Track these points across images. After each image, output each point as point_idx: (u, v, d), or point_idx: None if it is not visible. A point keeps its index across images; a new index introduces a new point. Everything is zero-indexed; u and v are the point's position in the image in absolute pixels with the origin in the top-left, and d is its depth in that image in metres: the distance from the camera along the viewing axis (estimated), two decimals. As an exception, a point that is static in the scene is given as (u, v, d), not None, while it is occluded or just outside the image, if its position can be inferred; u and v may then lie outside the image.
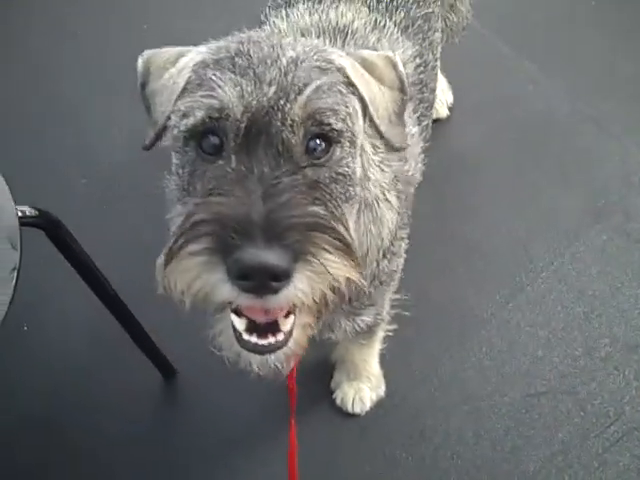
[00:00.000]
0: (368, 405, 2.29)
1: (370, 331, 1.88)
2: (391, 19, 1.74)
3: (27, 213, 1.62)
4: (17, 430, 2.28)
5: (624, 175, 2.70)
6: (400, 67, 1.31)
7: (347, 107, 1.20)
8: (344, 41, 1.59)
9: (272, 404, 2.30)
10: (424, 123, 1.84)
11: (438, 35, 1.97)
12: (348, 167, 1.21)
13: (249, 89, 1.12)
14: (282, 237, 1.00)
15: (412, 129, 1.73)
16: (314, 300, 1.07)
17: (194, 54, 1.23)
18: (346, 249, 1.08)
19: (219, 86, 1.12)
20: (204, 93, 1.13)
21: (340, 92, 1.19)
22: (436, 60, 1.93)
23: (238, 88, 1.12)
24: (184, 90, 1.20)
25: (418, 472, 2.19)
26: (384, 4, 1.76)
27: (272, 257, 0.98)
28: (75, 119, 2.97)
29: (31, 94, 3.07)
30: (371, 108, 1.27)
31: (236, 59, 1.16)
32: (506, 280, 2.50)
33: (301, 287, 1.03)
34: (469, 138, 2.84)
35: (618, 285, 2.47)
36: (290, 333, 1.14)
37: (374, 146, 1.49)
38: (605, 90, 2.93)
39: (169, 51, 1.25)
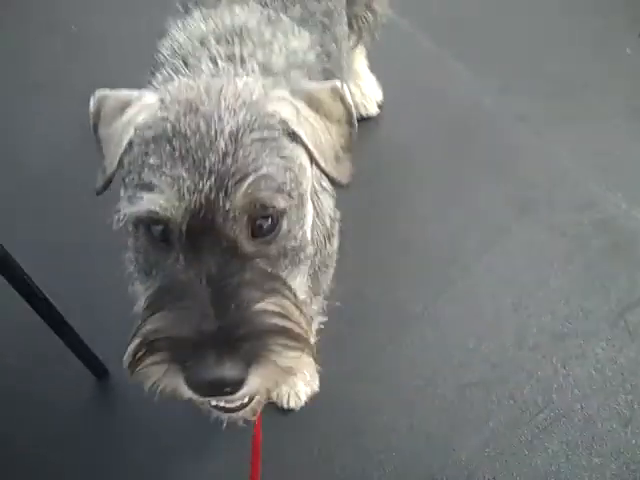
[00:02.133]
0: (303, 400, 2.31)
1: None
2: (286, 13, 1.75)
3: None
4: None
5: (548, 170, 2.77)
6: (348, 99, 1.32)
7: (292, 172, 1.22)
8: (241, 41, 1.58)
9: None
10: None
11: (342, 29, 1.99)
12: (296, 238, 1.25)
13: (187, 185, 1.12)
14: (234, 350, 1.07)
15: None
16: (269, 390, 1.19)
17: (139, 107, 1.21)
18: (297, 342, 1.16)
19: (156, 185, 1.12)
20: (143, 192, 1.13)
21: (284, 160, 1.21)
22: (341, 52, 1.94)
23: (175, 188, 1.12)
24: (131, 155, 1.21)
25: (353, 465, 2.21)
26: (280, 1, 1.76)
27: (224, 372, 1.05)
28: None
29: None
30: (317, 155, 1.28)
31: (174, 142, 1.14)
32: (437, 275, 2.55)
33: (256, 385, 1.11)
34: (399, 136, 2.89)
35: (545, 276, 2.53)
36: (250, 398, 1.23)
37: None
38: (529, 86, 3.00)
39: (118, 96, 1.23)
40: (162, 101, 1.22)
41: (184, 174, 1.12)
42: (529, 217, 2.66)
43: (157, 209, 1.12)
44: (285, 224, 1.22)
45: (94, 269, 2.47)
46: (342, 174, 1.34)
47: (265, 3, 1.74)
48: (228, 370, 1.06)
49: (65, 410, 2.29)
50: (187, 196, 1.12)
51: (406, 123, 2.93)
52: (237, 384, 1.08)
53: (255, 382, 1.11)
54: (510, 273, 2.54)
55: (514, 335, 2.41)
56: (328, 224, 1.62)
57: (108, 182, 1.23)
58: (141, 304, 1.21)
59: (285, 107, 1.25)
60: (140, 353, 1.13)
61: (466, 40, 3.15)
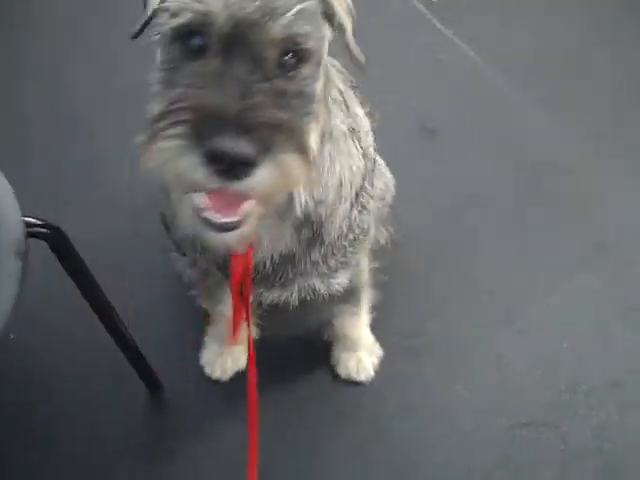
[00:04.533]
0: (371, 370, 2.40)
1: (353, 296, 2.10)
2: None
3: (32, 223, 1.63)
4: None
5: (623, 222, 2.77)
6: None
7: (320, 33, 1.34)
8: None
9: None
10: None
11: None
12: (311, 86, 1.34)
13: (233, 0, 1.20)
14: (252, 131, 1.12)
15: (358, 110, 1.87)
16: (271, 192, 1.21)
17: None
18: (304, 152, 1.22)
19: None
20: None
21: (317, 20, 1.32)
22: None
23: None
24: None
25: None
26: None
27: (242, 145, 1.10)
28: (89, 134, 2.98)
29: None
30: (349, 35, 1.43)
31: None
32: (497, 312, 2.55)
33: (262, 178, 1.15)
34: (470, 175, 2.90)
35: (607, 325, 2.52)
36: (245, 218, 1.25)
37: (339, 90, 1.66)
38: (611, 137, 2.99)
39: None
40: None
41: None
42: (599, 265, 2.65)
43: (202, 9, 1.20)
44: (305, 70, 1.30)
45: (153, 282, 2.55)
46: (359, 52, 1.48)
47: None
48: (245, 145, 1.10)
49: (117, 422, 2.31)
50: (232, 6, 1.19)
51: (478, 161, 2.95)
52: (250, 163, 1.12)
53: (262, 173, 1.14)
54: (572, 318, 2.53)
55: (569, 379, 2.39)
56: (355, 171, 1.69)
57: (144, 26, 1.35)
58: (157, 109, 1.22)
59: None
60: (160, 125, 1.16)
61: (545, 83, 3.15)
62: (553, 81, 3.18)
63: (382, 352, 2.43)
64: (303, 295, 1.88)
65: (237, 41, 1.20)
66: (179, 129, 1.13)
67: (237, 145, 1.10)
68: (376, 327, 2.44)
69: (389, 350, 2.44)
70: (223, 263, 1.70)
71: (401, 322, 2.49)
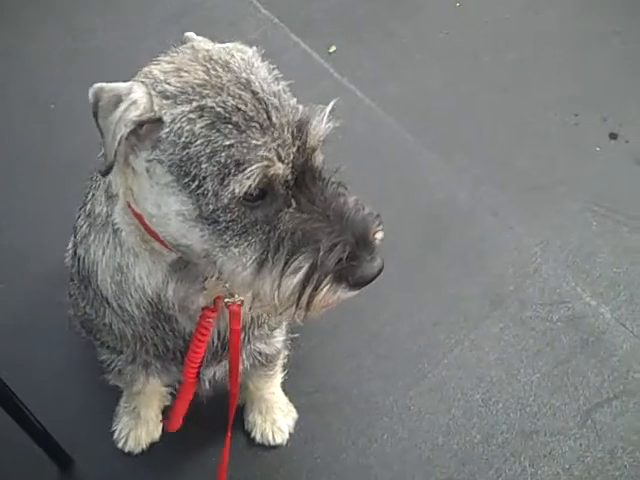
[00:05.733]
0: (287, 432, 2.38)
1: (272, 362, 2.12)
2: None
3: None
4: None
5: (519, 264, 2.81)
6: None
7: None
8: None
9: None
10: None
11: None
12: None
13: (274, 145, 1.24)
14: (374, 247, 1.35)
15: None
16: None
17: (128, 104, 1.24)
18: None
19: (256, 157, 1.22)
20: (245, 166, 1.22)
21: None
22: None
23: (272, 152, 1.23)
24: (182, 153, 1.24)
25: None
26: None
27: (378, 264, 1.35)
28: None
29: None
30: None
31: (234, 119, 1.22)
32: (409, 368, 2.56)
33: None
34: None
35: (514, 372, 2.55)
36: None
37: None
38: (502, 182, 3.06)
39: (112, 90, 1.27)
40: (182, 93, 1.26)
41: (265, 138, 1.23)
42: (499, 312, 2.69)
43: (274, 172, 1.24)
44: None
45: (59, 358, 2.49)
46: None
47: None
48: (379, 264, 1.34)
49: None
50: (282, 152, 1.25)
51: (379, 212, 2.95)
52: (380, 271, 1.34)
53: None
54: (480, 368, 2.56)
55: (483, 431, 2.42)
56: None
57: (109, 168, 1.28)
58: (245, 260, 1.31)
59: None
60: (309, 290, 1.32)
61: (442, 133, 3.21)
62: (445, 127, 3.24)
63: (296, 414, 2.42)
64: (251, 361, 1.95)
65: (300, 173, 1.28)
66: (329, 277, 1.31)
67: (375, 267, 1.34)
68: (283, 385, 2.43)
69: (296, 408, 2.44)
70: (164, 354, 1.73)
71: (306, 379, 2.50)
